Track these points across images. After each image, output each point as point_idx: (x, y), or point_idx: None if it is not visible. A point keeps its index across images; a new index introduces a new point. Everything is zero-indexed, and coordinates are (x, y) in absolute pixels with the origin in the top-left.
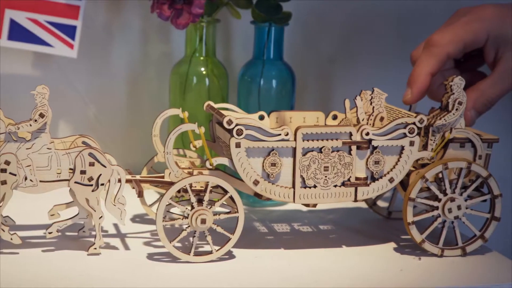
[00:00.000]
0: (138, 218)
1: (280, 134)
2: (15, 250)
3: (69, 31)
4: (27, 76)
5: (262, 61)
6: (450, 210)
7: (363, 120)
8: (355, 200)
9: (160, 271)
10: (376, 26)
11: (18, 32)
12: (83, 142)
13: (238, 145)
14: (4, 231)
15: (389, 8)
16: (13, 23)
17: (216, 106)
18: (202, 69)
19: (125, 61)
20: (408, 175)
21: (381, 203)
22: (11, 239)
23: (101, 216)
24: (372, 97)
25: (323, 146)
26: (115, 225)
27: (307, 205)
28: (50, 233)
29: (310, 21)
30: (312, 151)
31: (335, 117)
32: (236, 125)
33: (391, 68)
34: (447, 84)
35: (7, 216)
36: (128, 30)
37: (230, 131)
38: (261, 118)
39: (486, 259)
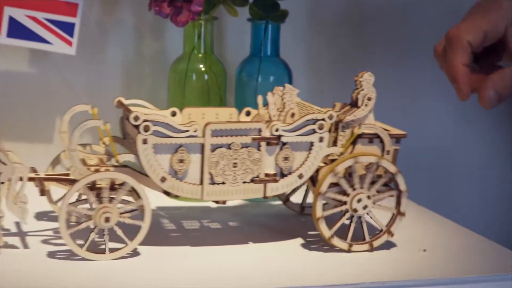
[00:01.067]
0: (43, 217)
1: (188, 131)
2: None
3: (68, 28)
4: (23, 73)
5: (259, 58)
6: (358, 205)
7: (274, 116)
8: (265, 197)
9: (60, 270)
10: (370, 24)
11: (17, 30)
12: None
13: (145, 142)
14: None
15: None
16: (12, 20)
17: (126, 102)
18: (201, 66)
19: (119, 59)
20: (318, 171)
21: (295, 199)
22: None
23: (1, 215)
24: (283, 93)
25: (232, 142)
26: (17, 224)
27: (217, 202)
28: None
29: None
30: (221, 147)
31: (248, 114)
32: (143, 121)
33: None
34: (357, 79)
35: None
36: (122, 28)
37: (137, 127)
38: (173, 114)
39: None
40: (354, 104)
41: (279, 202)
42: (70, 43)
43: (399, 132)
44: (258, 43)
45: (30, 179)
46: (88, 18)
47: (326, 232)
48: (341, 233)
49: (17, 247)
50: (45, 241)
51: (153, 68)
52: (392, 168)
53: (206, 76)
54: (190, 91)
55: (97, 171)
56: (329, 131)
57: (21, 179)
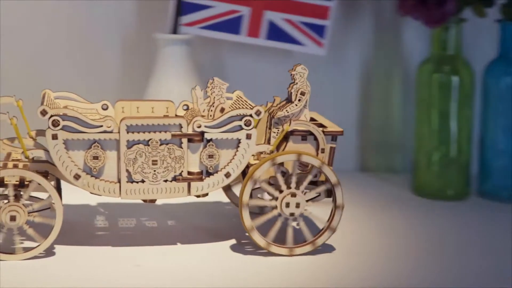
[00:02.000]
0: None
1: (102, 126)
2: None
3: (319, 30)
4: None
5: (509, 59)
6: (288, 205)
7: (204, 111)
8: (189, 195)
9: None
10: None
11: (275, 32)
12: None
13: (55, 137)
14: None
15: None
16: (271, 24)
17: (53, 94)
18: (449, 67)
19: (358, 60)
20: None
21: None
22: None
23: None
24: (212, 87)
25: (150, 139)
26: None
27: (144, 201)
28: None
29: None
30: (139, 143)
31: (187, 108)
32: (51, 115)
33: None
34: (290, 72)
35: None
36: (360, 29)
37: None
38: (105, 108)
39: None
40: (289, 99)
41: (219, 201)
42: (321, 44)
43: (336, 129)
44: (508, 44)
45: None
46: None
47: (247, 221)
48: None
49: None
50: None
51: (391, 69)
52: (316, 162)
53: (453, 78)
54: (440, 91)
55: (5, 166)
56: (269, 128)
57: None
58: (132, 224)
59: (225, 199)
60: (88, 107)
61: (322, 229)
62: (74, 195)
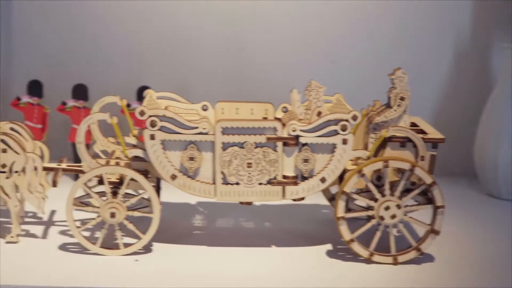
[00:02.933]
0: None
1: (197, 127)
2: None
3: None
4: None
5: None
6: (385, 214)
7: (300, 114)
8: (284, 199)
9: (65, 262)
10: None
11: None
12: (11, 128)
13: (152, 137)
14: None
15: None
16: None
17: (156, 94)
18: None
19: None
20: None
21: None
22: None
23: (17, 205)
24: (309, 90)
25: (245, 141)
26: (53, 212)
27: (240, 202)
28: None
29: None
30: (234, 146)
31: (286, 110)
32: (149, 116)
33: None
34: (390, 77)
35: None
36: None
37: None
38: (205, 108)
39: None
40: (388, 104)
41: (316, 204)
42: None
43: (436, 136)
44: None
45: (46, 169)
46: None
47: (346, 234)
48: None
49: (37, 236)
50: (66, 232)
51: None
52: (428, 179)
53: None
54: None
55: (106, 164)
56: (367, 133)
57: (35, 169)
58: (230, 225)
59: (322, 202)
60: (188, 108)
61: (410, 246)
62: (174, 193)
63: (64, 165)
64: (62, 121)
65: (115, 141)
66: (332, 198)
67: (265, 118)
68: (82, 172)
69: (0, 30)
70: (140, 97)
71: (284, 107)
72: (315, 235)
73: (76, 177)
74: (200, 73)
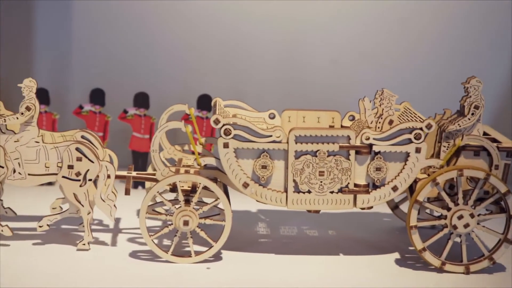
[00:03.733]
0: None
1: (271, 136)
2: (6, 242)
3: None
4: None
5: None
6: (459, 223)
7: (371, 122)
8: (355, 208)
9: (134, 269)
10: None
11: None
12: (82, 137)
13: (226, 145)
14: None
15: None
16: None
17: (224, 103)
18: None
19: None
20: (416, 183)
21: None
22: (2, 230)
23: (90, 212)
24: (381, 98)
25: (318, 150)
26: (117, 220)
27: (308, 211)
28: (40, 226)
29: None
30: (306, 154)
31: (352, 118)
32: (224, 124)
33: None
34: (464, 85)
35: (9, 207)
36: None
37: (218, 131)
38: (272, 117)
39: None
40: (461, 113)
41: (377, 212)
42: None
43: (511, 145)
44: None
45: (118, 177)
46: None
47: (418, 243)
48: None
49: (107, 244)
50: (134, 239)
51: None
52: (502, 188)
53: None
54: None
55: (178, 172)
56: (438, 141)
57: (109, 177)
58: (294, 233)
59: (383, 210)
60: (255, 116)
61: (498, 242)
62: (236, 200)
63: (134, 173)
64: (121, 129)
65: (181, 149)
66: (395, 207)
67: (331, 127)
68: (155, 180)
69: (59, 39)
70: (200, 106)
71: (351, 115)
72: (380, 244)
73: (135, 185)
74: (257, 81)
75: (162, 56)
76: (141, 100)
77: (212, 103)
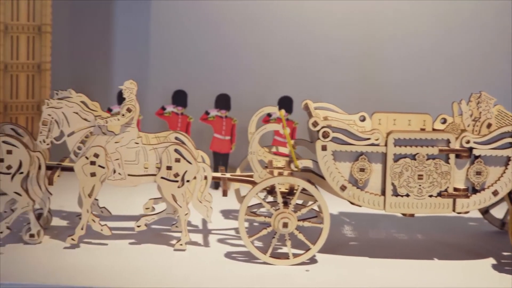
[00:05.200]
0: (229, 214)
1: (369, 138)
2: (104, 241)
3: None
4: None
5: None
6: None
7: (468, 126)
8: (453, 212)
9: (234, 270)
10: None
11: None
12: (176, 138)
13: (324, 148)
14: (95, 222)
15: None
16: None
17: (313, 105)
18: None
19: None
20: None
21: (497, 213)
22: (101, 230)
23: (187, 213)
24: (479, 101)
25: (417, 153)
26: (203, 221)
27: (403, 214)
28: (138, 226)
29: None
30: (405, 157)
31: (444, 121)
32: (322, 127)
33: None
34: None
35: (104, 207)
36: None
37: (316, 133)
38: (363, 119)
39: None
40: None
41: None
42: None
43: None
44: None
45: (215, 178)
46: None
47: None
48: None
49: (200, 244)
50: (226, 240)
51: None
52: None
53: None
54: None
55: (280, 174)
56: None
57: (205, 178)
58: (382, 236)
59: (467, 214)
60: (345, 118)
61: None
62: None
63: (228, 175)
64: (201, 129)
65: (269, 150)
66: (486, 212)
67: (422, 130)
68: (252, 182)
69: (138, 40)
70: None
71: (443, 118)
72: (472, 248)
73: (216, 186)
74: (335, 81)
75: (242, 57)
76: (223, 101)
77: (303, 106)
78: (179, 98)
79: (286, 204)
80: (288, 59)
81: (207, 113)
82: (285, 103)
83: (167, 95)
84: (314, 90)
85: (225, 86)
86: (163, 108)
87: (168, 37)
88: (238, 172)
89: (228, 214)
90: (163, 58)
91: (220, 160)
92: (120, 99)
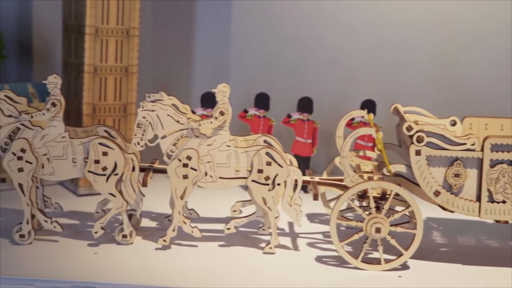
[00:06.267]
0: (314, 218)
1: (465, 144)
2: (194, 242)
3: None
4: None
5: None
6: None
7: None
8: None
9: (324, 274)
10: None
11: None
12: (264, 141)
13: (418, 153)
14: (185, 223)
15: None
16: None
17: (402, 109)
18: None
19: None
20: None
21: None
22: (192, 232)
23: (277, 216)
24: None
25: None
26: (290, 224)
27: (497, 221)
28: (228, 229)
29: None
30: (502, 163)
31: None
32: (417, 131)
33: None
34: None
35: (192, 209)
36: None
37: (410, 138)
38: (453, 124)
39: None
40: None
41: None
42: None
43: None
44: None
45: (305, 182)
46: None
47: None
48: None
49: (289, 247)
50: (314, 244)
51: None
52: None
53: None
54: None
55: (370, 179)
56: None
57: (296, 182)
58: (473, 242)
59: None
60: (435, 123)
61: None
62: None
63: (317, 178)
64: (282, 132)
65: (357, 154)
66: None
67: None
68: (344, 186)
69: (218, 44)
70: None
71: None
72: None
73: (304, 188)
74: (412, 84)
75: (324, 60)
76: (305, 104)
77: (392, 110)
78: (261, 101)
79: (378, 209)
80: (370, 62)
81: (289, 116)
82: (369, 106)
83: (249, 98)
84: (394, 93)
85: (307, 88)
86: (246, 111)
87: (250, 39)
88: (324, 176)
89: (313, 217)
90: (244, 60)
91: (301, 163)
92: (204, 101)
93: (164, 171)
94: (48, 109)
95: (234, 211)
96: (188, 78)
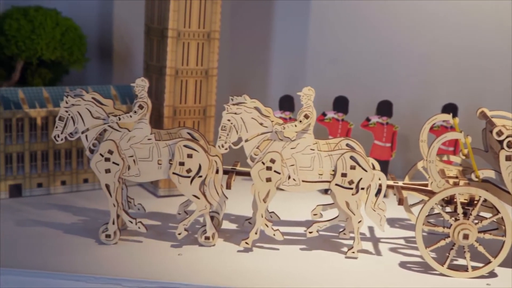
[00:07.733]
0: (395, 223)
1: None
2: (276, 245)
3: None
4: None
5: None
6: None
7: None
8: None
9: (409, 280)
10: None
11: None
12: (347, 145)
13: (508, 158)
14: (267, 226)
15: None
16: None
17: (489, 113)
18: None
19: None
20: None
21: None
22: (274, 234)
23: (360, 221)
24: None
25: None
26: (370, 228)
27: None
28: (310, 232)
29: None
30: None
31: None
32: (507, 136)
33: None
34: None
35: (273, 212)
36: None
37: (500, 143)
38: None
39: None
40: None
41: None
42: None
43: None
44: None
45: (389, 186)
46: None
47: None
48: None
49: (371, 252)
50: (397, 249)
51: None
52: None
53: None
54: None
55: (455, 184)
56: None
57: (380, 186)
58: None
59: None
60: None
61: None
62: None
63: (401, 183)
64: (359, 136)
65: (440, 159)
66: None
67: None
68: (430, 191)
69: (295, 46)
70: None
71: None
72: None
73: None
74: (495, 90)
75: (403, 63)
76: (385, 108)
77: (478, 114)
78: (340, 104)
79: (465, 215)
80: (449, 66)
81: (368, 119)
82: (451, 110)
83: (326, 101)
84: (473, 99)
85: (385, 92)
86: (324, 114)
87: (328, 40)
88: (406, 180)
89: (393, 222)
90: (321, 62)
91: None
92: (282, 104)
93: (247, 174)
94: (135, 112)
95: (315, 214)
96: (264, 81)
